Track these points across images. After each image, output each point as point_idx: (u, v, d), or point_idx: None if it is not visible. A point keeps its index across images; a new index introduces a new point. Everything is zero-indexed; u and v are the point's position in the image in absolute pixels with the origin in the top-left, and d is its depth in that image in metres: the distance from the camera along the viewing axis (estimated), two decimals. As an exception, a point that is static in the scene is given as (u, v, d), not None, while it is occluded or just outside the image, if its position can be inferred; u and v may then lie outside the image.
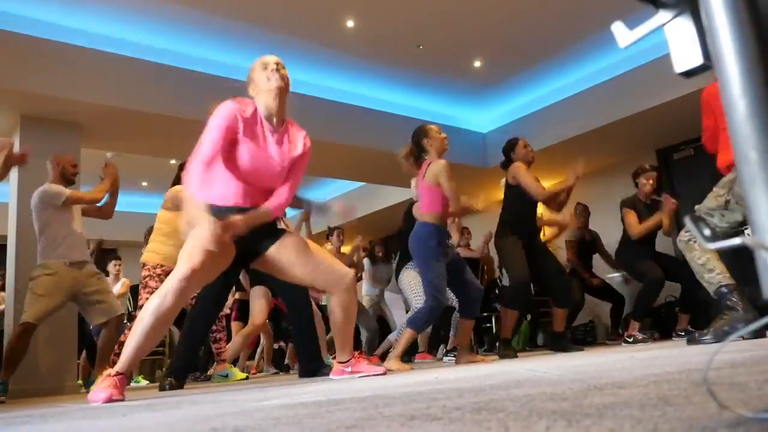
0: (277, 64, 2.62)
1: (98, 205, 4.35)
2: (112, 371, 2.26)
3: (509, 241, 4.24)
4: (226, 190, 2.53)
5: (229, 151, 2.49)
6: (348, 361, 2.75)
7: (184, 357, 3.59)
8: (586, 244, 6.17)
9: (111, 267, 6.91)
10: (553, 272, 4.29)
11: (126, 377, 2.29)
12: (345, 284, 2.61)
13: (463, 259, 3.93)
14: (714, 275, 2.82)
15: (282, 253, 2.58)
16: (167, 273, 4.13)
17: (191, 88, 5.51)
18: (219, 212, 2.44)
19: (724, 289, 2.79)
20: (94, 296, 4.20)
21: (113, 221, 4.67)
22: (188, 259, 2.34)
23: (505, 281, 5.85)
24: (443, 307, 3.67)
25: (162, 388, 3.44)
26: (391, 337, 5.88)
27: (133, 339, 2.26)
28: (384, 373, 2.70)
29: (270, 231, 2.63)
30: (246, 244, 2.54)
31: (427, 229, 3.66)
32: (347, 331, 2.74)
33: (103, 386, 2.20)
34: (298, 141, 2.66)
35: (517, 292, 4.16)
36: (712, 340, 2.74)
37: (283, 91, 2.58)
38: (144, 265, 4.47)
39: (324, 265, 2.59)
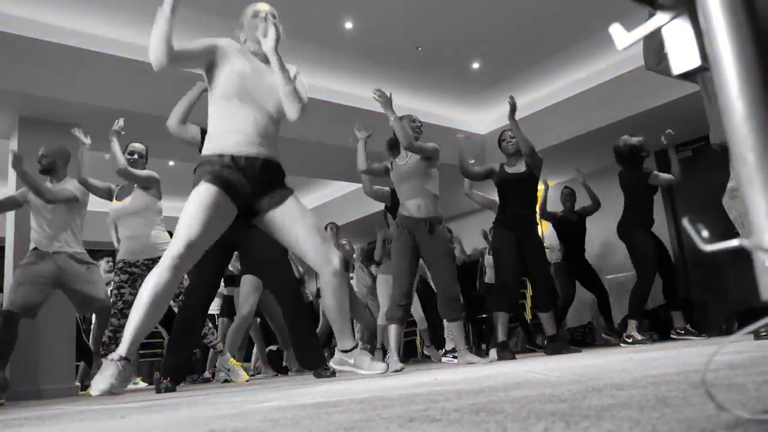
0: (268, 14, 2.62)
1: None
2: (114, 356, 2.19)
3: (499, 235, 4.32)
4: (228, 122, 2.45)
5: (215, 79, 2.49)
6: (351, 350, 2.66)
7: (179, 355, 3.48)
8: (573, 225, 6.10)
9: (103, 263, 6.90)
10: (536, 274, 4.34)
11: (129, 361, 2.23)
12: (332, 269, 2.53)
13: (441, 257, 3.82)
14: None
15: (282, 215, 2.50)
16: (130, 264, 4.15)
17: (189, 90, 5.50)
18: (222, 159, 2.39)
19: None
20: (79, 285, 4.23)
21: (105, 223, 4.68)
22: (186, 234, 2.28)
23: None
24: (405, 293, 3.74)
25: (158, 391, 3.36)
26: (380, 321, 5.86)
27: (132, 318, 2.21)
28: (384, 372, 2.67)
29: (275, 185, 2.54)
30: (250, 198, 2.46)
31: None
32: (343, 316, 2.63)
33: (106, 374, 2.14)
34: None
35: (500, 295, 4.29)
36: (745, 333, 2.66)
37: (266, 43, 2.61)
38: None
39: (316, 241, 2.52)
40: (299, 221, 2.51)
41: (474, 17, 5.56)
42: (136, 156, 4.31)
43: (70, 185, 4.35)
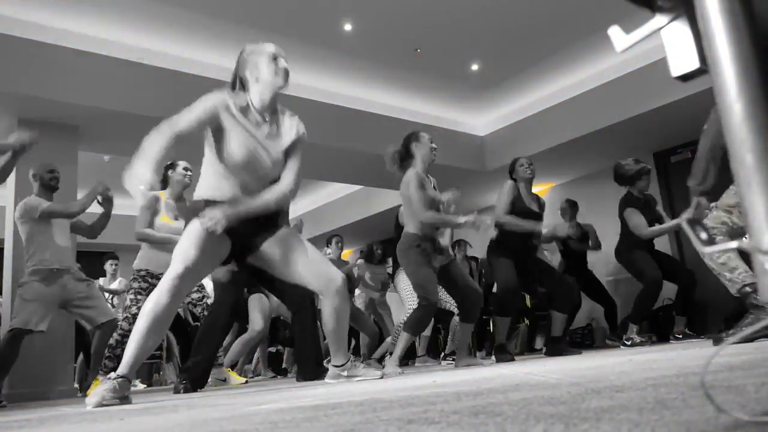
0: (282, 59, 2.55)
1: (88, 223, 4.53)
2: (113, 374, 2.23)
3: (498, 257, 4.29)
4: (222, 183, 2.45)
5: (218, 141, 2.43)
6: (344, 364, 2.73)
7: (203, 364, 3.60)
8: (575, 238, 6.09)
9: (108, 266, 6.92)
10: (555, 279, 4.34)
11: (128, 380, 2.26)
12: (335, 287, 2.53)
13: (457, 264, 3.92)
14: (737, 274, 2.72)
15: (276, 249, 2.52)
16: (152, 275, 4.14)
17: (189, 91, 5.48)
18: (214, 205, 2.39)
19: (748, 288, 2.70)
20: (84, 302, 4.27)
21: (110, 224, 4.67)
22: (183, 257, 2.32)
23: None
24: (434, 308, 3.69)
25: (176, 391, 3.46)
26: (389, 340, 5.88)
27: (133, 341, 2.24)
28: (381, 377, 2.70)
29: (269, 225, 2.56)
30: (243, 237, 2.48)
31: (408, 237, 3.75)
32: (340, 335, 2.69)
33: (100, 390, 2.17)
34: (291, 128, 2.57)
35: (505, 300, 4.26)
36: (738, 339, 2.68)
37: (282, 88, 2.53)
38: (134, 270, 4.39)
39: (316, 265, 2.54)
40: (296, 249, 2.53)
41: (473, 19, 5.56)
42: (190, 173, 4.32)
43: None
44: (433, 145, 3.88)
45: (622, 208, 4.92)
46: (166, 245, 4.07)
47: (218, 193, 2.45)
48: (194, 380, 3.53)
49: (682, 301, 4.90)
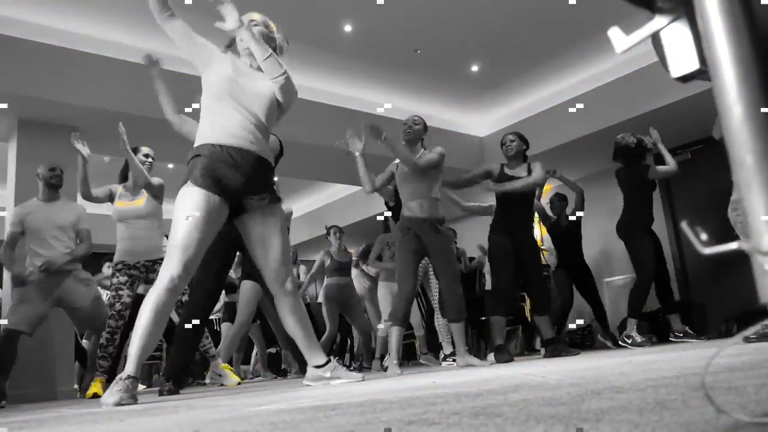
0: (250, 22, 2.67)
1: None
2: (123, 375, 2.23)
3: (494, 239, 4.30)
4: (206, 123, 2.49)
5: (206, 78, 2.57)
6: (324, 365, 2.66)
7: (181, 359, 3.49)
8: (566, 230, 6.06)
9: (105, 268, 6.92)
10: (532, 279, 4.32)
11: (137, 379, 2.27)
12: (288, 288, 2.57)
13: (446, 255, 3.81)
14: None
15: (263, 225, 2.53)
16: (129, 266, 4.15)
17: (188, 92, 5.50)
18: (214, 149, 2.42)
19: None
20: (82, 304, 4.26)
21: (109, 225, 4.68)
22: (183, 253, 2.29)
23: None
24: (410, 293, 3.72)
25: (161, 393, 3.36)
26: (379, 326, 5.84)
27: (135, 339, 2.24)
28: (362, 380, 2.64)
29: (268, 189, 2.56)
30: (239, 195, 2.46)
31: (400, 219, 3.95)
32: (307, 329, 2.65)
33: (114, 389, 2.18)
34: None
35: (499, 299, 4.25)
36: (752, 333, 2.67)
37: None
38: None
39: (277, 259, 2.54)
40: (275, 238, 2.55)
41: (473, 20, 5.57)
42: (150, 160, 4.33)
43: (73, 208, 4.45)
44: (404, 126, 3.99)
45: (638, 174, 4.84)
46: (135, 235, 4.14)
47: (205, 134, 2.48)
48: (175, 374, 3.41)
49: (662, 299, 4.92)
